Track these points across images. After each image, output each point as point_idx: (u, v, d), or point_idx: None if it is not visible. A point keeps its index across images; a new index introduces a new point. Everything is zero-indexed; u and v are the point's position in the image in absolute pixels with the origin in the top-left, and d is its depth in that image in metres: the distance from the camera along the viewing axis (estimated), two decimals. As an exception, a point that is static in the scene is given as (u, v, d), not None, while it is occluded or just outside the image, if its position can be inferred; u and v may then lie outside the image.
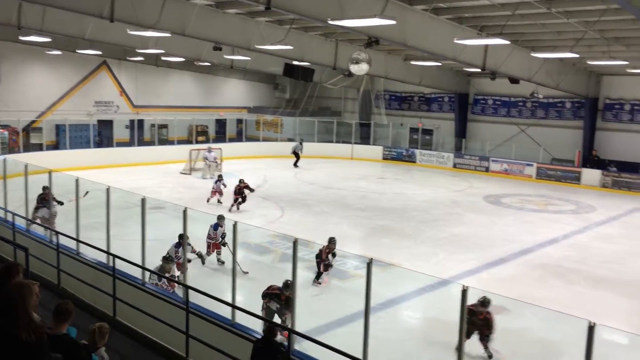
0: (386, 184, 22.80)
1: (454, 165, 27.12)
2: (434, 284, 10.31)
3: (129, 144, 27.06)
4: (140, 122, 28.93)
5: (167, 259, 8.87)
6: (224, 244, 10.96)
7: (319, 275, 10.31)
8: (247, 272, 10.33)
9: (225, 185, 16.97)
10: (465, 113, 29.20)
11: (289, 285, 7.15)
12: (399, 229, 14.94)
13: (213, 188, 17.05)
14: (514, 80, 21.18)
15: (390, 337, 8.09)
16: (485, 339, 7.65)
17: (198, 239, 10.62)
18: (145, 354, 6.45)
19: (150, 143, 28.94)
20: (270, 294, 7.83)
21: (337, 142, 29.98)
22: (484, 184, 22.93)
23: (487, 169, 26.07)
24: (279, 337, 6.23)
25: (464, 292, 4.53)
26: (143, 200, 7.42)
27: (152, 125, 30.13)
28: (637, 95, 23.86)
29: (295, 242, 5.63)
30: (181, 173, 22.78)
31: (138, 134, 27.76)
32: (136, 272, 7.51)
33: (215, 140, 29.43)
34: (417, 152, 28.58)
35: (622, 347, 8.44)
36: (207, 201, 16.85)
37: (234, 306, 6.11)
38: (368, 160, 28.01)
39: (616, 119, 24.54)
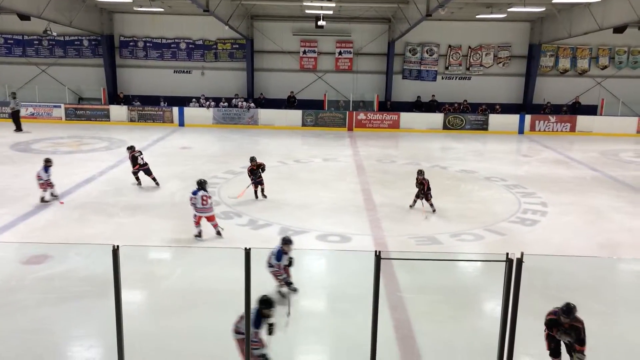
0: None
1: (-30, 115, 23.76)
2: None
3: None
4: None
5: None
6: None
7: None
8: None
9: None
10: (-27, 54, 25.62)
11: (571, 310, 5.56)
12: None
13: (41, 177, 12.15)
14: (23, 17, 19.65)
15: None
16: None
17: None
18: None
19: None
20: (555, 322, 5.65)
21: None
22: (10, 132, 21.07)
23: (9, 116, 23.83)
24: None
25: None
26: None
27: None
28: (147, 32, 25.76)
29: None
30: None
31: None
32: None
33: None
34: None
35: (165, 262, 9.56)
36: (42, 200, 12.13)
37: None
38: None
39: (133, 56, 26.03)
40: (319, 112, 24.53)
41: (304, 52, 26.06)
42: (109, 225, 10.90)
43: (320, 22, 22.29)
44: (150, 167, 13.95)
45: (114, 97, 25.53)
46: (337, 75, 26.34)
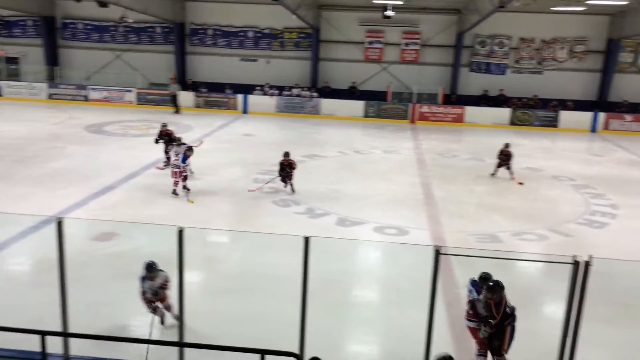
0: (-33, 123, 19.59)
1: (50, 97, 25.14)
2: (37, 224, 9.69)
3: None
4: None
5: None
6: None
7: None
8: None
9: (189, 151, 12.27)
10: (55, 39, 27.00)
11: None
12: (-10, 172, 13.26)
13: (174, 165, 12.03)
14: (102, 4, 20.49)
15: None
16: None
17: None
18: None
19: None
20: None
21: None
22: (84, 114, 22.13)
23: (86, 98, 25.09)
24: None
25: (59, 224, 4.47)
26: None
27: None
28: (217, 20, 26.31)
29: None
30: None
31: None
32: None
33: None
34: (3, 84, 25.27)
35: (225, 245, 9.83)
36: (181, 190, 11.96)
37: None
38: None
39: (202, 43, 26.67)
40: (382, 104, 24.33)
41: (370, 43, 25.87)
42: (173, 207, 11.30)
43: (388, 13, 22.04)
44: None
45: (183, 83, 26.29)
46: (402, 66, 26.01)
